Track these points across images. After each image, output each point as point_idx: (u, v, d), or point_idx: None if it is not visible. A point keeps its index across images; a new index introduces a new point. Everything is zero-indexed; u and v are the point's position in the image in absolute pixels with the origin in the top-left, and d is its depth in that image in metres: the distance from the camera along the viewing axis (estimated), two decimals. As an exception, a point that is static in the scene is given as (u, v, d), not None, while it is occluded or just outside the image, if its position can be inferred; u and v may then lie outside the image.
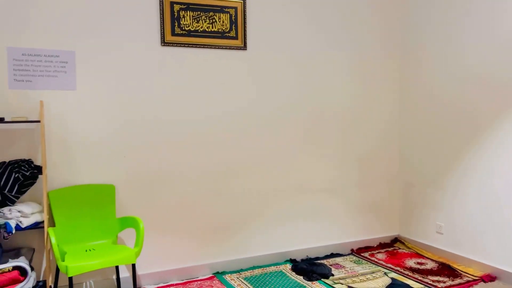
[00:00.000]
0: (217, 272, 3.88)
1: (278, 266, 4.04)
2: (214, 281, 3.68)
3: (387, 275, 3.76)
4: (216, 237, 3.89)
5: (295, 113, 4.16)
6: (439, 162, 4.20)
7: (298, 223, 4.24)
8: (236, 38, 3.88)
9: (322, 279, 3.69)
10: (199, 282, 3.68)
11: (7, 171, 2.95)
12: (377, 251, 4.44)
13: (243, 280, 3.69)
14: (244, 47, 3.90)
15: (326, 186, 4.35)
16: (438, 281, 3.60)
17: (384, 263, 4.06)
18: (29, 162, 3.13)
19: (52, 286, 3.16)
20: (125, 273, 3.56)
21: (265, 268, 3.98)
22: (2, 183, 2.90)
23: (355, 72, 4.42)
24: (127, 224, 3.34)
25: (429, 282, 3.58)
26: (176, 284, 3.64)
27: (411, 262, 4.07)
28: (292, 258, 4.19)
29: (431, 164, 4.29)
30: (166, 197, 3.68)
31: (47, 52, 3.25)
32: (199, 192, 3.80)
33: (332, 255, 4.33)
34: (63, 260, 2.94)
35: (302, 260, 4.17)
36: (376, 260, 4.16)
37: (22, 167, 3.02)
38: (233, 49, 3.86)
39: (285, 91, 4.10)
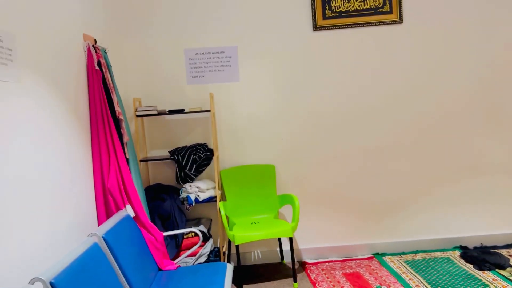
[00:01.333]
0: (377, 253, 3.85)
1: (445, 252, 3.77)
2: (372, 262, 3.68)
3: None
4: (377, 218, 3.86)
5: (464, 86, 3.75)
6: None
7: (471, 207, 3.85)
8: (390, 12, 3.71)
9: (496, 270, 3.30)
10: (357, 261, 3.73)
11: (187, 153, 3.53)
12: None
13: (403, 263, 3.58)
14: (400, 20, 3.70)
15: (506, 167, 3.81)
16: None
17: None
18: (204, 145, 3.68)
19: (226, 253, 3.66)
20: (287, 246, 3.86)
21: (429, 253, 3.76)
22: (183, 163, 3.50)
23: (543, 31, 3.72)
24: (285, 201, 3.61)
25: None
26: (335, 261, 3.76)
27: None
28: (463, 245, 3.84)
29: None
30: (324, 177, 3.81)
31: (215, 49, 3.72)
32: (358, 172, 3.82)
33: (515, 245, 3.81)
34: (231, 230, 3.38)
35: (474, 247, 3.79)
36: None
37: (199, 150, 3.58)
38: (387, 24, 3.71)
39: (453, 63, 3.73)
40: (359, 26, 3.71)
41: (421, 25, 3.71)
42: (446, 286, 3.11)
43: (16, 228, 1.77)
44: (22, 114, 1.91)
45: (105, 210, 2.73)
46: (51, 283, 1.62)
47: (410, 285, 3.17)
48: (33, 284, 1.59)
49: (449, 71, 3.74)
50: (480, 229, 3.86)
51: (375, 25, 3.71)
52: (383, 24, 3.71)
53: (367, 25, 3.70)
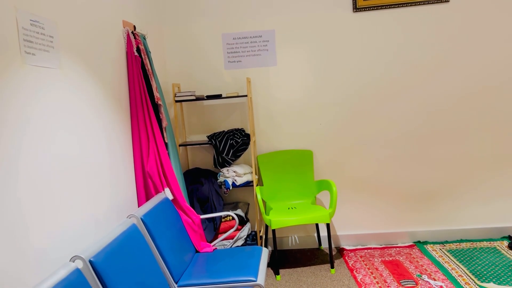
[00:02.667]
0: (418, 241, 3.74)
1: (492, 242, 3.60)
2: (413, 250, 3.58)
3: None
4: (419, 205, 3.74)
5: (514, 67, 3.53)
6: None
7: (522, 196, 3.66)
8: (436, -10, 3.53)
9: (547, 262, 3.13)
10: (397, 249, 3.64)
11: (224, 138, 3.56)
12: None
13: (446, 252, 3.46)
14: (446, -1, 3.52)
15: (561, 154, 3.58)
16: None
17: None
18: (241, 130, 3.69)
19: (263, 237, 3.69)
20: (325, 232, 3.83)
21: (475, 243, 3.61)
22: (220, 148, 3.53)
23: None
24: (323, 186, 3.57)
25: None
26: (374, 248, 3.70)
27: None
28: (512, 235, 3.67)
29: None
30: (363, 162, 3.73)
31: (252, 33, 3.70)
32: (399, 158, 3.70)
33: None
34: (268, 215, 3.39)
35: (524, 238, 3.60)
36: None
37: (236, 135, 3.59)
38: (432, 3, 3.53)
39: (501, 43, 3.50)
40: (402, 6, 3.55)
41: (468, 4, 3.50)
42: (491, 277, 2.98)
43: (61, 210, 1.85)
44: (63, 100, 1.98)
45: (145, 193, 2.81)
46: (90, 261, 1.69)
47: (453, 274, 3.06)
48: (73, 262, 1.67)
49: (497, 51, 3.52)
50: (531, 219, 3.66)
51: (419, 4, 3.54)
52: (428, 3, 3.53)
53: (411, 5, 3.54)
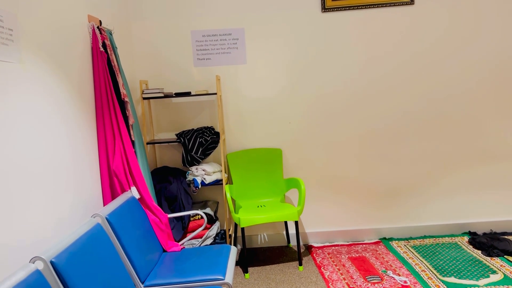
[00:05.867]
0: (384, 238, 3.83)
1: (453, 237, 3.73)
2: (379, 246, 3.66)
3: None
4: (385, 203, 3.82)
5: (476, 69, 3.66)
6: None
7: (482, 193, 3.79)
8: (402, -8, 3.61)
9: (504, 256, 3.26)
10: (364, 245, 3.72)
11: (193, 136, 3.53)
12: None
13: (410, 248, 3.56)
14: (411, 2, 3.60)
15: (518, 152, 3.74)
16: None
17: None
18: (210, 129, 3.66)
19: (232, 236, 3.68)
20: (293, 230, 3.86)
21: (437, 239, 3.73)
22: (189, 146, 3.50)
23: (561, 12, 3.58)
24: (292, 184, 3.59)
25: None
26: (341, 245, 3.76)
27: None
28: (472, 230, 3.80)
29: None
30: (331, 161, 3.78)
31: (222, 31, 3.68)
32: (367, 157, 3.77)
33: (525, 232, 3.75)
34: (237, 213, 3.38)
35: (483, 233, 3.74)
36: None
37: (205, 133, 3.57)
38: (398, 5, 3.62)
39: (465, 45, 3.63)
40: (370, 7, 3.62)
41: (433, 6, 3.61)
42: (452, 271, 3.08)
43: (22, 209, 1.79)
44: (24, 95, 1.91)
45: (110, 192, 2.75)
46: (51, 262, 1.64)
47: (416, 270, 3.15)
48: (33, 263, 1.61)
49: (461, 53, 3.64)
50: (490, 215, 3.80)
51: (386, 6, 3.61)
52: (394, 5, 3.61)
53: (378, 6, 3.61)
